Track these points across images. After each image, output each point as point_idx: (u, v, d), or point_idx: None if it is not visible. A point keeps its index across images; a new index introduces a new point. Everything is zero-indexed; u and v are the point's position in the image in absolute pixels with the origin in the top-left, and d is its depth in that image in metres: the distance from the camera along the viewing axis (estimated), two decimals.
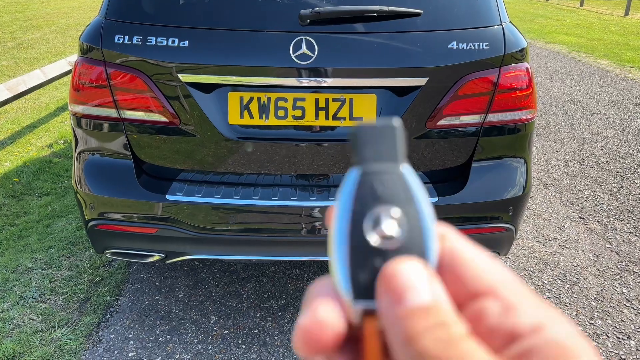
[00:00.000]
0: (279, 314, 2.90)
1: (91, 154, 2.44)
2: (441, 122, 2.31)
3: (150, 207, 2.33)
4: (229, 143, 2.30)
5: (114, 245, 2.48)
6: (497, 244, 2.52)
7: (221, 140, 2.29)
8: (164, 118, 2.27)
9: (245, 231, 2.35)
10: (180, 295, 3.04)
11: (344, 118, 2.28)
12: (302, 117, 2.28)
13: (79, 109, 2.36)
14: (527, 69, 2.36)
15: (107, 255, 2.54)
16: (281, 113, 2.27)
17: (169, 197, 2.32)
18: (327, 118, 2.28)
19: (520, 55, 2.31)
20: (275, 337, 2.72)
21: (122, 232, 2.41)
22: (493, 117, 2.36)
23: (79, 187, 2.45)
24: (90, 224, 2.43)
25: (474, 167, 2.41)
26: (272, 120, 2.28)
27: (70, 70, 5.90)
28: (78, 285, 3.09)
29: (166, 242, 2.42)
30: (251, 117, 2.27)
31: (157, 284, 3.14)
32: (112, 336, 2.72)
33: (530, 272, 3.30)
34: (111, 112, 2.31)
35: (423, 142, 2.36)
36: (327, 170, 2.37)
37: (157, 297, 3.02)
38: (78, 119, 2.40)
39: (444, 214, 2.36)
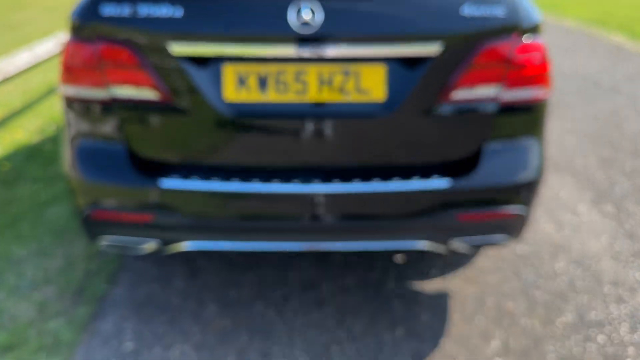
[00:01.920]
0: (282, 302, 2.87)
1: (83, 138, 2.39)
2: (455, 96, 2.24)
3: (145, 193, 2.30)
4: (224, 121, 2.23)
5: (108, 233, 2.45)
6: (510, 229, 2.48)
7: (216, 117, 2.22)
8: (155, 95, 2.21)
9: (245, 218, 2.32)
10: (178, 285, 3.02)
11: (349, 92, 2.22)
12: (305, 91, 2.21)
13: (70, 90, 2.31)
14: (540, 44, 2.30)
15: (102, 245, 2.51)
16: (281, 88, 2.21)
17: (164, 183, 2.27)
18: (331, 92, 2.22)
19: (535, 29, 2.25)
20: (278, 326, 2.71)
21: (116, 220, 2.38)
22: (506, 95, 2.30)
23: (71, 173, 2.41)
24: (83, 210, 2.39)
25: (486, 148, 2.36)
26: (271, 96, 2.21)
27: (60, 51, 5.82)
28: (73, 275, 3.07)
29: (163, 230, 2.38)
30: (248, 92, 2.21)
31: (154, 273, 3.12)
32: (108, 327, 2.71)
33: (543, 257, 3.27)
34: (103, 94, 2.26)
35: (435, 119, 2.29)
36: (333, 150, 2.31)
37: (154, 287, 3.00)
38: (69, 101, 2.35)
39: (455, 198, 2.31)
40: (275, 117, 2.25)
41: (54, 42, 5.90)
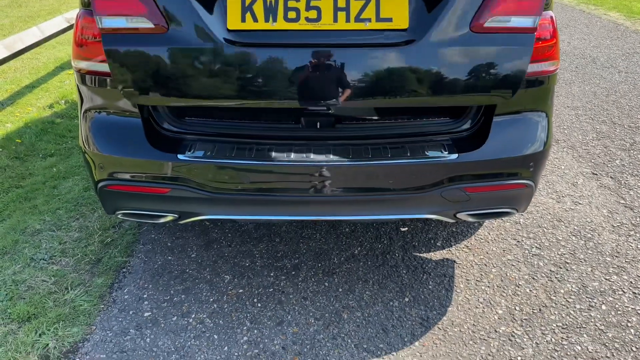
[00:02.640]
0: (293, 272, 2.88)
1: (97, 112, 2.36)
2: (489, 23, 2.04)
3: (161, 167, 2.27)
4: (228, 52, 2.02)
5: (125, 206, 2.43)
6: (516, 201, 2.47)
7: (219, 49, 2.02)
8: (149, 23, 2.04)
9: (260, 190, 2.29)
10: (193, 255, 3.01)
11: (369, 20, 2.02)
12: (318, 19, 2.00)
13: (83, 64, 2.26)
14: (551, 17, 2.25)
15: (118, 216, 2.49)
16: (292, 15, 1.99)
17: (180, 156, 2.24)
18: (347, 20, 2.01)
19: (548, 2, 2.20)
20: (290, 296, 2.71)
21: (133, 192, 2.35)
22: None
23: (86, 147, 2.37)
24: (100, 184, 2.37)
25: (495, 122, 2.32)
26: (280, 24, 2.00)
27: (67, 27, 5.72)
28: (89, 247, 3.06)
29: (179, 203, 2.36)
30: (255, 20, 2.01)
31: (169, 244, 3.11)
32: (126, 297, 2.71)
33: (545, 229, 3.27)
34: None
35: (465, 52, 2.08)
36: (348, 89, 2.11)
37: (169, 258, 3.00)
38: (82, 75, 2.30)
39: (463, 171, 2.29)
40: (284, 47, 2.03)
41: (61, 18, 5.79)
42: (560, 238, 3.19)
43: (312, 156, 2.26)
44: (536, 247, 3.11)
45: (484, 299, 2.70)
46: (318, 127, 2.39)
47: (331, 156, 2.26)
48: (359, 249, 3.07)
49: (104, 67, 2.22)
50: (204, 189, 2.28)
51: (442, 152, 2.28)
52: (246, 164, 2.25)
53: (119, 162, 2.32)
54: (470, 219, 2.47)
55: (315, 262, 2.96)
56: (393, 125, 2.43)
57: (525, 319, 2.58)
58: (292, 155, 2.25)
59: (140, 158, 2.29)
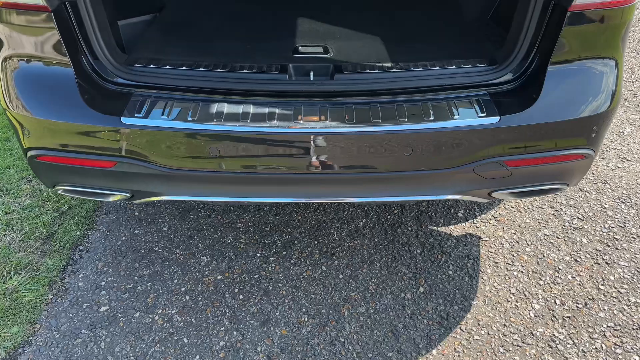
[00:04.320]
0: (284, 253, 2.36)
1: (21, 60, 1.75)
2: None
3: (100, 133, 1.69)
4: None
5: (63, 180, 1.88)
6: (570, 174, 1.89)
7: None
8: None
9: (235, 165, 1.73)
10: (165, 229, 2.50)
11: None
12: None
13: None
14: None
15: (59, 192, 1.95)
16: None
17: (125, 119, 1.66)
18: None
19: None
20: (280, 284, 2.22)
21: (69, 165, 1.79)
22: None
23: (8, 105, 1.79)
24: (30, 153, 1.80)
25: (550, 71, 1.70)
26: None
27: None
28: (40, 217, 2.55)
29: (129, 179, 1.81)
30: None
31: (137, 213, 2.59)
32: (80, 284, 2.22)
33: (587, 194, 2.71)
34: None
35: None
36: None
37: (136, 232, 2.49)
38: (1, 10, 1.68)
39: (507, 140, 1.70)
40: None
41: None
42: (607, 206, 2.63)
43: (303, 119, 1.66)
44: (578, 218, 2.56)
45: (516, 289, 2.20)
46: (311, 77, 1.79)
47: (328, 119, 1.67)
48: (364, 220, 2.54)
49: None
50: (159, 163, 1.72)
51: (477, 114, 1.68)
52: (214, 131, 1.67)
53: (48, 127, 1.73)
54: (508, 198, 1.92)
55: (310, 239, 2.44)
56: (410, 75, 1.81)
57: (568, 317, 2.08)
58: (276, 118, 1.67)
59: (72, 121, 1.70)
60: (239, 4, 2.52)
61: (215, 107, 1.69)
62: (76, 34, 1.73)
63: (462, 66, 1.82)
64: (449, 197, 1.87)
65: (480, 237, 2.44)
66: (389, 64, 1.85)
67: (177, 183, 1.80)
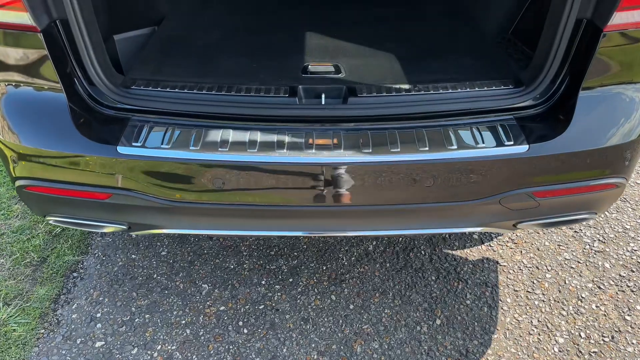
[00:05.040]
0: (290, 280, 2.23)
1: (9, 85, 1.61)
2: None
3: (95, 164, 1.55)
4: None
5: (55, 212, 1.75)
6: (599, 204, 1.77)
7: None
8: None
9: (238, 199, 1.59)
10: (164, 253, 2.36)
11: None
12: None
13: None
14: None
15: (50, 222, 1.82)
16: None
17: (121, 149, 1.52)
18: None
19: None
20: (286, 316, 2.09)
21: (61, 196, 1.66)
22: (621, 17, 1.49)
23: None
24: (18, 183, 1.66)
25: (582, 97, 1.57)
26: None
27: None
28: (32, 240, 2.41)
29: (126, 212, 1.67)
30: None
31: (134, 235, 2.45)
32: (74, 316, 2.09)
33: (607, 213, 2.57)
34: (23, 17, 1.46)
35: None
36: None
37: (133, 256, 2.35)
38: None
39: (536, 170, 1.57)
40: None
41: None
42: (628, 226, 2.51)
43: (314, 148, 1.53)
44: (599, 240, 2.44)
45: (538, 321, 2.07)
46: (323, 101, 1.65)
47: (342, 147, 1.53)
48: (374, 243, 2.41)
49: (7, 17, 1.47)
50: (158, 195, 1.58)
51: (504, 141, 1.55)
52: (218, 161, 1.53)
53: (38, 156, 1.60)
54: (534, 229, 1.79)
55: (318, 264, 2.31)
56: (430, 98, 1.68)
57: (594, 352, 1.96)
58: (285, 147, 1.53)
59: (64, 150, 1.56)
60: (242, 15, 2.37)
61: (219, 135, 1.55)
62: (68, 55, 1.59)
63: (485, 88, 1.69)
64: (472, 229, 1.74)
65: (497, 262, 2.31)
66: (407, 86, 1.72)
67: (178, 216, 1.66)
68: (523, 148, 1.53)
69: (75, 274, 2.26)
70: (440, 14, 2.38)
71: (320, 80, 1.81)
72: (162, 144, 1.53)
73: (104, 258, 2.34)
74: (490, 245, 2.39)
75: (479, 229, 1.74)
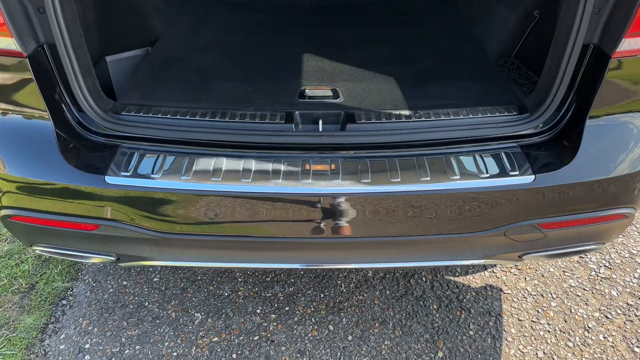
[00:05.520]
0: (286, 308, 2.16)
1: None
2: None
3: (82, 193, 1.49)
4: None
5: (41, 242, 1.68)
6: (607, 234, 1.70)
7: None
8: None
9: (232, 231, 1.53)
10: (156, 280, 2.29)
11: None
12: None
13: None
14: None
15: (37, 251, 1.75)
16: None
17: (109, 179, 1.46)
18: None
19: None
20: (282, 348, 2.01)
21: (47, 227, 1.59)
22: (630, 44, 1.43)
23: None
24: (3, 213, 1.60)
25: (590, 124, 1.52)
26: None
27: None
28: (21, 266, 2.33)
29: (114, 243, 1.60)
30: None
31: (124, 266, 2.38)
32: (61, 347, 2.01)
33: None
34: (9, 43, 1.41)
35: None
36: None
37: (124, 283, 2.28)
38: None
39: (542, 201, 1.50)
40: None
41: None
42: (635, 252, 2.44)
43: (312, 177, 1.47)
44: (605, 266, 2.37)
45: (544, 353, 2.00)
46: (320, 128, 1.59)
47: (340, 177, 1.47)
48: (374, 269, 2.34)
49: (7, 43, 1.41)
50: (148, 227, 1.51)
51: (509, 171, 1.49)
52: (211, 191, 1.46)
53: (23, 185, 1.53)
54: (540, 260, 1.73)
55: (316, 291, 2.23)
56: (431, 125, 1.62)
57: None
58: (281, 176, 1.47)
59: (49, 180, 1.50)
60: (238, 36, 2.32)
61: (212, 163, 1.49)
62: (56, 81, 1.53)
63: (488, 115, 1.63)
64: (476, 262, 1.67)
65: (501, 290, 2.24)
66: (407, 112, 1.66)
67: (169, 248, 1.60)
68: (529, 178, 1.47)
69: (64, 302, 2.19)
70: (441, 34, 2.33)
71: (318, 105, 1.75)
72: (152, 173, 1.47)
73: (94, 284, 2.27)
74: (494, 272, 2.32)
75: (482, 262, 1.68)
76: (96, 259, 1.69)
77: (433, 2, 2.64)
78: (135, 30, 2.17)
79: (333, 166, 1.49)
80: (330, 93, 1.80)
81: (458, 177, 1.47)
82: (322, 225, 1.49)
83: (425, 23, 2.44)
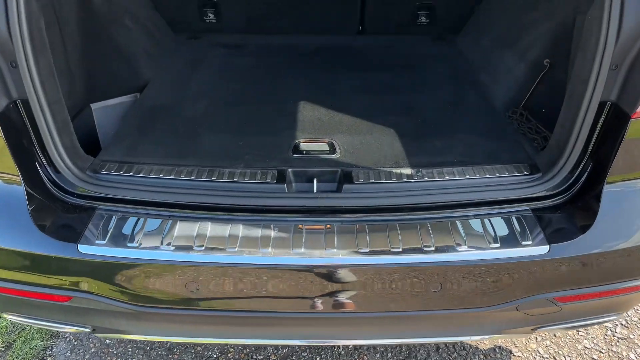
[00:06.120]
0: None
1: None
2: None
3: (53, 263, 1.36)
4: None
5: (11, 311, 1.54)
6: (625, 306, 1.56)
7: None
8: None
9: (215, 306, 1.39)
10: (140, 339, 2.14)
11: None
12: None
13: None
14: None
15: (8, 319, 1.61)
16: None
17: (82, 248, 1.33)
18: None
19: None
20: None
21: (16, 297, 1.46)
22: None
23: None
24: None
25: (607, 192, 1.38)
26: None
27: None
28: None
29: (88, 316, 1.47)
30: None
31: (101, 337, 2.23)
32: None
33: None
34: None
35: None
36: None
37: (107, 342, 2.13)
38: None
39: (558, 273, 1.37)
40: None
41: None
42: None
43: (304, 246, 1.34)
44: (621, 324, 2.21)
45: None
46: (314, 189, 1.47)
47: (335, 245, 1.33)
48: None
49: None
50: (124, 300, 1.38)
51: (521, 241, 1.36)
52: (193, 262, 1.33)
53: None
54: (554, 332, 1.58)
55: (312, 354, 2.08)
56: (435, 186, 1.49)
57: None
58: (270, 245, 1.34)
59: (18, 248, 1.37)
60: (230, 82, 2.21)
61: (196, 229, 1.36)
62: (30, 139, 1.42)
63: (497, 175, 1.51)
64: (485, 337, 1.53)
65: (511, 352, 2.09)
66: (409, 171, 1.54)
67: (148, 322, 1.46)
68: (543, 249, 1.34)
69: None
70: (445, 81, 2.21)
71: (313, 161, 1.63)
72: (129, 241, 1.34)
73: (75, 343, 2.12)
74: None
75: (495, 336, 1.53)
76: (71, 329, 1.55)
77: (436, 46, 2.54)
78: (123, 76, 2.07)
79: (328, 236, 1.36)
80: (326, 147, 1.68)
81: (465, 247, 1.33)
82: (315, 299, 1.35)
83: (429, 69, 2.33)
